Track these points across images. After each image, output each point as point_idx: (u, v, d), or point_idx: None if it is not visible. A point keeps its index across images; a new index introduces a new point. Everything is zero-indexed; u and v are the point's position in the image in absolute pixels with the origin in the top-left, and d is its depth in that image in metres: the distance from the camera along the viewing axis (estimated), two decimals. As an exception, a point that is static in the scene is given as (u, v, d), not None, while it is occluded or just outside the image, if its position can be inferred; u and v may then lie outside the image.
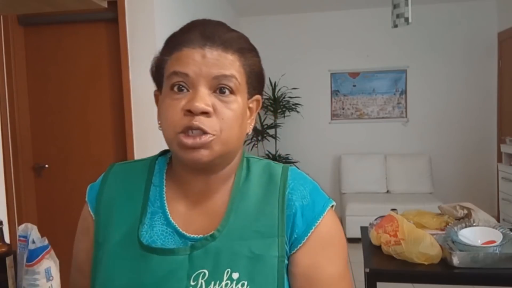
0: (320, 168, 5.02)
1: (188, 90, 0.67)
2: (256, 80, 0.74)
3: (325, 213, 0.73)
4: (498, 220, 3.98)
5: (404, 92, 4.99)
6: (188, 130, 0.66)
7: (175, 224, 0.72)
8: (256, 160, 0.79)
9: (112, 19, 2.63)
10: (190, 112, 0.65)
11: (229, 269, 0.67)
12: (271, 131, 4.99)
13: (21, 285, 0.94)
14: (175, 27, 0.72)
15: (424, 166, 4.71)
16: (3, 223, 0.98)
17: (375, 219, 1.96)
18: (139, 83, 2.62)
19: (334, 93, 5.12)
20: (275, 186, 0.74)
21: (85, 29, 2.74)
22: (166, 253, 0.69)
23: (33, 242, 0.93)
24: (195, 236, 0.71)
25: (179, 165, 0.75)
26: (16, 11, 2.07)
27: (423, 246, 1.60)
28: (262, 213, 0.71)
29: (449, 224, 1.80)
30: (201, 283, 0.67)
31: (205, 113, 0.66)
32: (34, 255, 0.93)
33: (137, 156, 2.64)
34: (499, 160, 4.39)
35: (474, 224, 1.73)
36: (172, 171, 0.78)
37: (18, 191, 2.67)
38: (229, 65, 0.68)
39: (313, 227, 0.71)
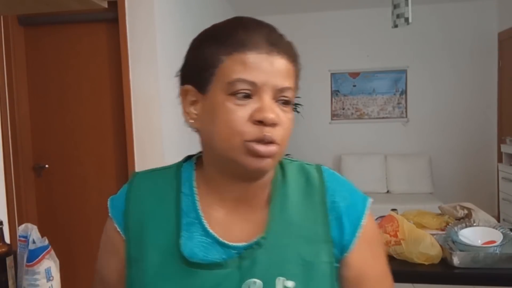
0: (320, 168, 5.01)
1: (250, 97, 0.65)
2: (296, 90, 0.71)
3: (366, 210, 0.73)
4: (498, 220, 3.98)
5: (404, 92, 4.99)
6: (260, 141, 0.63)
7: (214, 234, 0.69)
8: (288, 161, 0.77)
9: (112, 19, 2.63)
10: (260, 122, 0.63)
11: (282, 278, 0.65)
12: (271, 131, 4.97)
13: (21, 285, 0.94)
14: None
15: (424, 166, 4.71)
16: (3, 223, 0.98)
17: (375, 219, 1.94)
18: (139, 83, 2.62)
19: (334, 93, 5.12)
20: (314, 189, 0.72)
21: (85, 29, 2.74)
22: (213, 268, 0.66)
23: (33, 242, 0.93)
24: (238, 244, 0.68)
25: (218, 170, 0.70)
26: (16, 11, 2.07)
27: (423, 246, 1.59)
28: (305, 218, 0.70)
29: (449, 224, 1.79)
30: None
31: (273, 123, 0.64)
32: (34, 255, 0.93)
33: (137, 156, 2.63)
34: (499, 160, 4.39)
35: (474, 224, 1.72)
36: (203, 178, 0.73)
37: (18, 191, 2.67)
38: (290, 76, 0.67)
39: (360, 227, 0.71)
